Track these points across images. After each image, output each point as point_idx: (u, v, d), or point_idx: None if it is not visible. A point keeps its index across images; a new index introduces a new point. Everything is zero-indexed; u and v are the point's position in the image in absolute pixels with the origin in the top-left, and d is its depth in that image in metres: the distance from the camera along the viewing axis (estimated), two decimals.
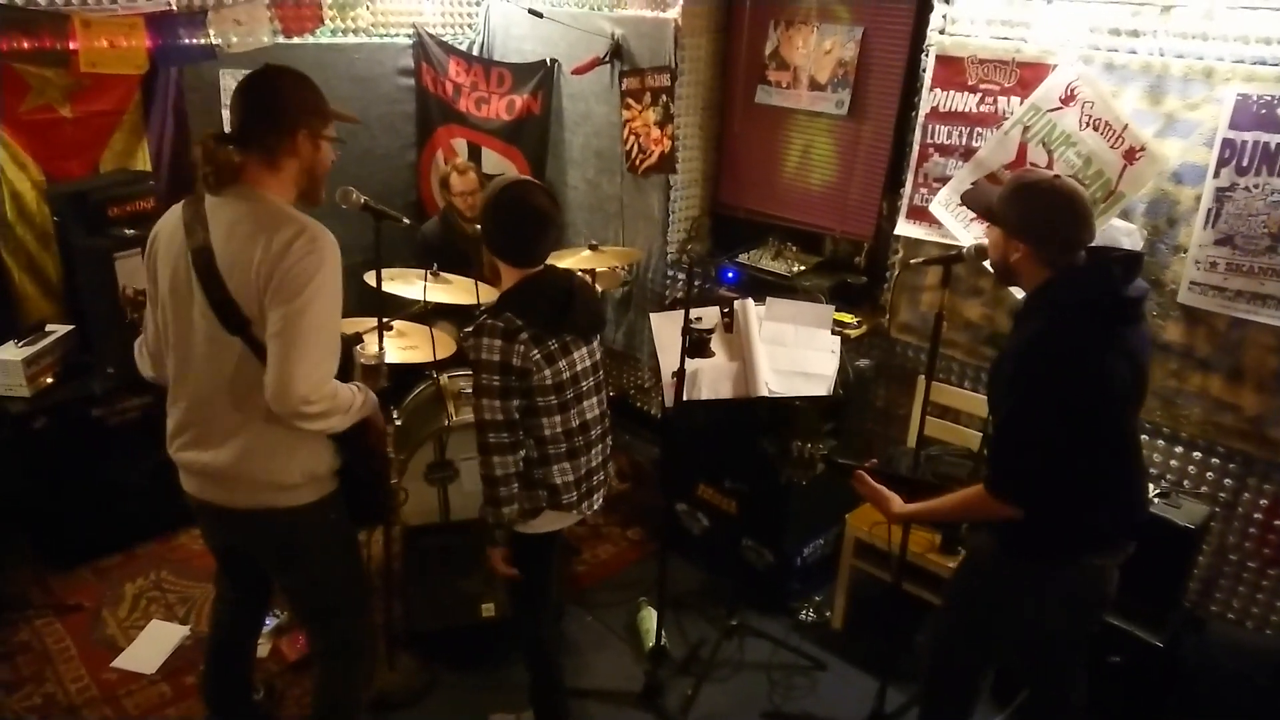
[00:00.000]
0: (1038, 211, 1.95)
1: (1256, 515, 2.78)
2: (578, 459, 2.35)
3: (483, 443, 2.22)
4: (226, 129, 2.02)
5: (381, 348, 2.59)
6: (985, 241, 3.02)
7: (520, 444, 2.25)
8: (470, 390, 2.33)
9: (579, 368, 2.31)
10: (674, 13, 3.84)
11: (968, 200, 2.82)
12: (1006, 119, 3.02)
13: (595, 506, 2.49)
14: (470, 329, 2.22)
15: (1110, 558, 2.07)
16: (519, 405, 2.22)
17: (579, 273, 3.61)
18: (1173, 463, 2.90)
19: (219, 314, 1.91)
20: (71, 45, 3.44)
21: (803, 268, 3.75)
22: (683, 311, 2.67)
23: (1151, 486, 2.58)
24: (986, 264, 3.03)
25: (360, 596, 2.37)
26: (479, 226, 2.32)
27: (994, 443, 2.02)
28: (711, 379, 2.86)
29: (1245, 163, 2.58)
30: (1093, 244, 1.99)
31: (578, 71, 4.19)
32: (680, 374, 2.70)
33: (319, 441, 2.06)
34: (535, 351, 2.18)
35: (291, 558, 2.16)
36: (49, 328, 3.48)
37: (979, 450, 2.31)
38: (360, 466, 2.17)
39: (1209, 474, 2.85)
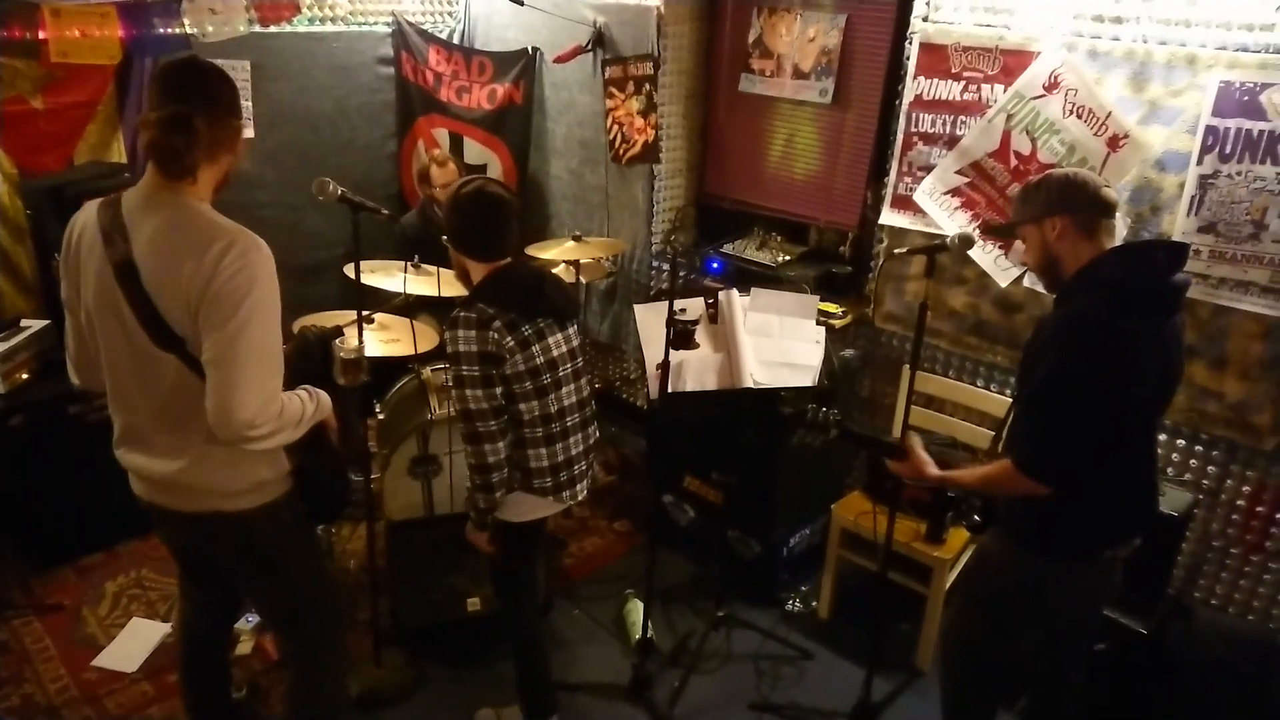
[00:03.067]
0: (1056, 186, 2.01)
1: (1240, 502, 2.80)
2: (554, 445, 2.37)
3: (471, 432, 2.26)
4: None
5: (361, 341, 2.56)
6: (970, 230, 3.06)
7: (507, 429, 2.29)
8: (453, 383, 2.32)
9: (555, 353, 2.33)
10: (657, 0, 3.80)
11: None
12: (990, 107, 3.01)
13: (580, 497, 2.49)
14: (447, 324, 2.26)
15: (1122, 551, 2.09)
16: (501, 392, 2.25)
17: (563, 263, 3.64)
18: (1157, 450, 2.91)
19: (149, 331, 1.81)
20: (41, 35, 3.38)
21: (788, 258, 3.74)
22: (667, 303, 2.65)
23: None
24: (971, 254, 3.05)
25: (324, 597, 2.31)
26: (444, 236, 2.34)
27: (1022, 418, 2.01)
28: (697, 370, 2.85)
29: (1228, 150, 2.58)
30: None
31: (560, 60, 4.15)
32: (665, 366, 2.69)
33: (267, 450, 1.95)
34: (509, 338, 2.21)
35: (247, 560, 2.10)
36: (24, 323, 3.42)
37: (1001, 424, 2.31)
38: (316, 467, 2.10)
39: (1193, 461, 2.86)
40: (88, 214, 1.87)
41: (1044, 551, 2.07)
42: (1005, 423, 2.33)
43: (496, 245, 2.30)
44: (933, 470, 2.20)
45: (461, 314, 2.22)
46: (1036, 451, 1.95)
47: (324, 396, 2.07)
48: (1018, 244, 3.01)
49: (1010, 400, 3.05)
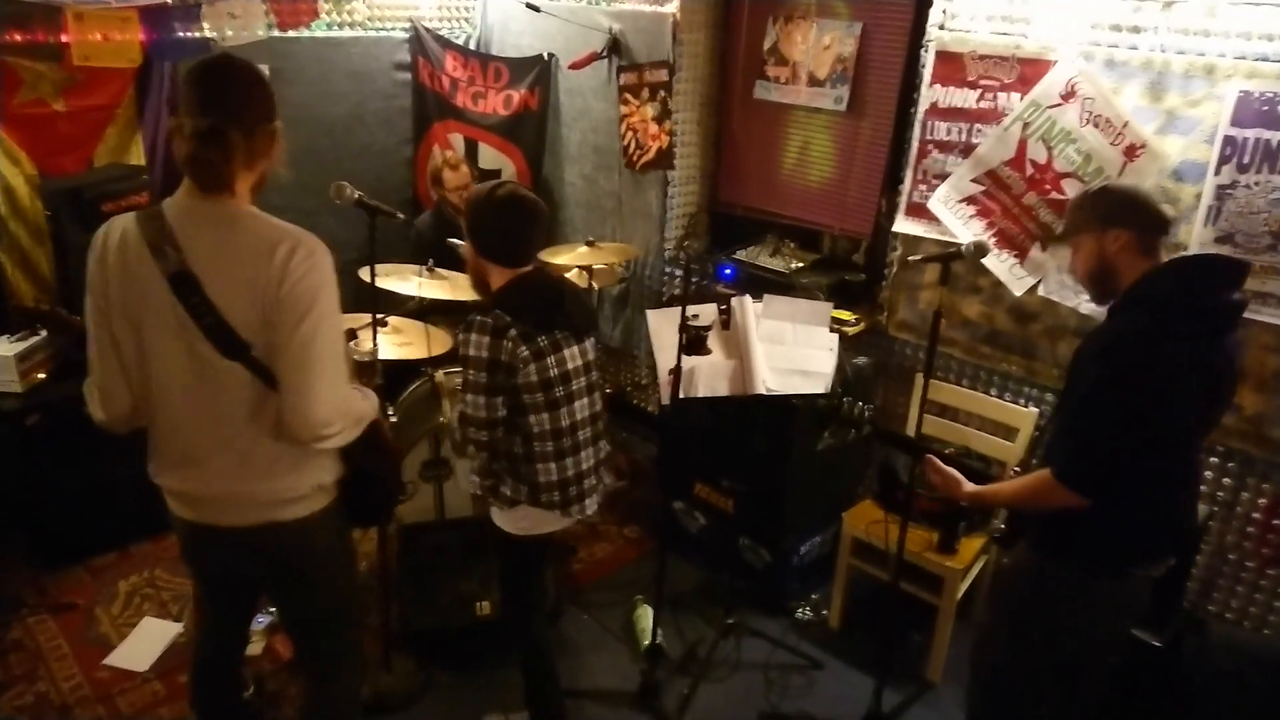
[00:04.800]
0: (1121, 198, 2.00)
1: (1255, 515, 2.78)
2: (564, 459, 2.34)
3: (463, 436, 2.28)
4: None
5: (375, 344, 2.57)
6: (985, 238, 3.05)
7: (497, 444, 2.28)
8: None
9: (569, 366, 2.31)
10: (672, 7, 3.81)
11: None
12: (1006, 115, 3.00)
13: (589, 511, 2.46)
14: (461, 326, 2.24)
15: (1154, 569, 2.06)
16: (505, 403, 2.24)
17: (576, 269, 3.64)
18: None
19: (215, 341, 1.77)
20: (64, 38, 3.42)
21: (801, 265, 3.73)
22: (680, 309, 2.65)
23: None
24: (986, 263, 3.04)
25: (356, 610, 2.30)
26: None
27: (1065, 429, 2.00)
28: (709, 377, 2.84)
29: (1246, 160, 2.56)
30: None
31: (575, 66, 4.17)
32: (677, 371, 2.69)
33: (325, 452, 1.94)
34: (524, 348, 2.19)
35: (292, 572, 2.04)
36: None
37: (1036, 433, 2.28)
38: (374, 466, 2.07)
39: (1208, 473, 2.83)
40: (123, 228, 1.79)
41: (1076, 566, 2.04)
42: (1041, 434, 2.31)
43: (522, 252, 2.28)
44: (967, 488, 2.18)
45: (478, 318, 2.20)
46: (1076, 462, 1.93)
47: (372, 394, 2.06)
48: (1033, 253, 3.02)
49: (1036, 412, 3.06)
